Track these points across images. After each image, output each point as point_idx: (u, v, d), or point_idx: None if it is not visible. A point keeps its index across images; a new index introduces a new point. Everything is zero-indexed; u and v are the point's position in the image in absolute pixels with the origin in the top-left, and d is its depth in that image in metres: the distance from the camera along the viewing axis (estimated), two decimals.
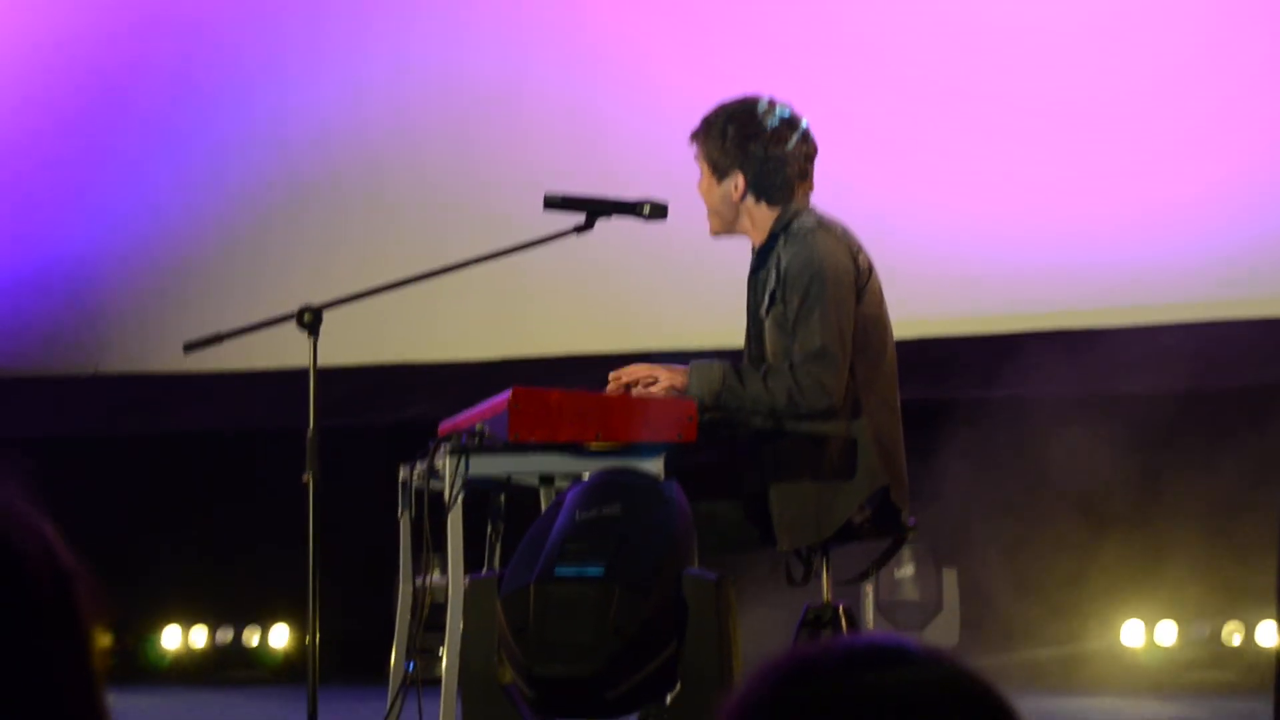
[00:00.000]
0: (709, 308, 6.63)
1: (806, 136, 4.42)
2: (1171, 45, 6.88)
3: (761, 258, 4.41)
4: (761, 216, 4.40)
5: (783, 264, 4.31)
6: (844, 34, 7.18)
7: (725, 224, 4.45)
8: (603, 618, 3.46)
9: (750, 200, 4.39)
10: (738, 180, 4.38)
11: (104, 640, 1.20)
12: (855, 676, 1.13)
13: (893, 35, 7.12)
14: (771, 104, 4.43)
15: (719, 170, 4.40)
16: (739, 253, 4.55)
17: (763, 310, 4.37)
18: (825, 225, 4.34)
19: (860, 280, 4.32)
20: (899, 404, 4.41)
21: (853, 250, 4.33)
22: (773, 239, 4.38)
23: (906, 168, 7.05)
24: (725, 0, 7.33)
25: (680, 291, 7.05)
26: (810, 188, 4.43)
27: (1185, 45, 6.86)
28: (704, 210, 4.49)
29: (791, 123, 4.41)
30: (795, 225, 4.34)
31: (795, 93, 6.42)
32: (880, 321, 4.37)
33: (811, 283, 4.24)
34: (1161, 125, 6.89)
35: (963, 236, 6.99)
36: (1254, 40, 6.82)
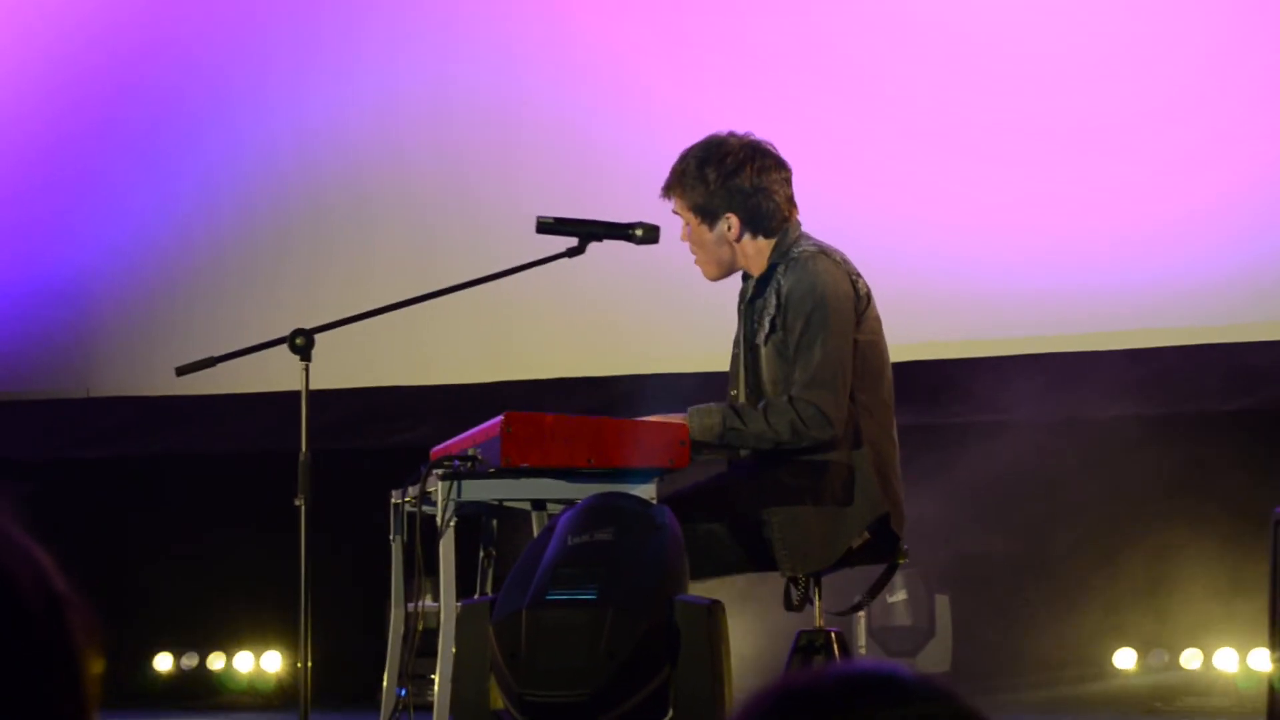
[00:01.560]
0: (700, 331, 6.63)
1: (780, 159, 4.42)
2: (1168, 66, 6.89)
3: (759, 286, 4.40)
4: (760, 250, 4.39)
5: (783, 290, 4.29)
6: (836, 53, 7.19)
7: (723, 267, 4.43)
8: (595, 642, 3.45)
9: (747, 238, 4.38)
10: (730, 221, 4.36)
11: (97, 666, 1.20)
12: (849, 706, 1.13)
13: (887, 59, 7.13)
14: (735, 135, 4.42)
15: (708, 215, 4.37)
16: (730, 278, 4.54)
17: (760, 338, 4.36)
18: (826, 251, 4.34)
19: (860, 307, 4.32)
20: (896, 431, 4.41)
21: (852, 277, 4.34)
22: (771, 268, 4.37)
23: (902, 192, 7.05)
24: (720, 22, 7.34)
25: (671, 315, 7.05)
26: (797, 209, 4.43)
27: (1182, 66, 6.88)
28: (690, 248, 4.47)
29: (762, 149, 4.41)
30: (795, 252, 4.33)
31: (787, 113, 6.46)
32: (878, 348, 4.37)
33: (814, 309, 4.23)
34: (1158, 147, 6.90)
35: (953, 259, 6.99)
36: (1251, 61, 6.84)
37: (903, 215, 7.02)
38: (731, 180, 4.34)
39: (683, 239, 4.43)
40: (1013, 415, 7.10)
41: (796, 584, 4.31)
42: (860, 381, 4.28)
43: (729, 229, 4.37)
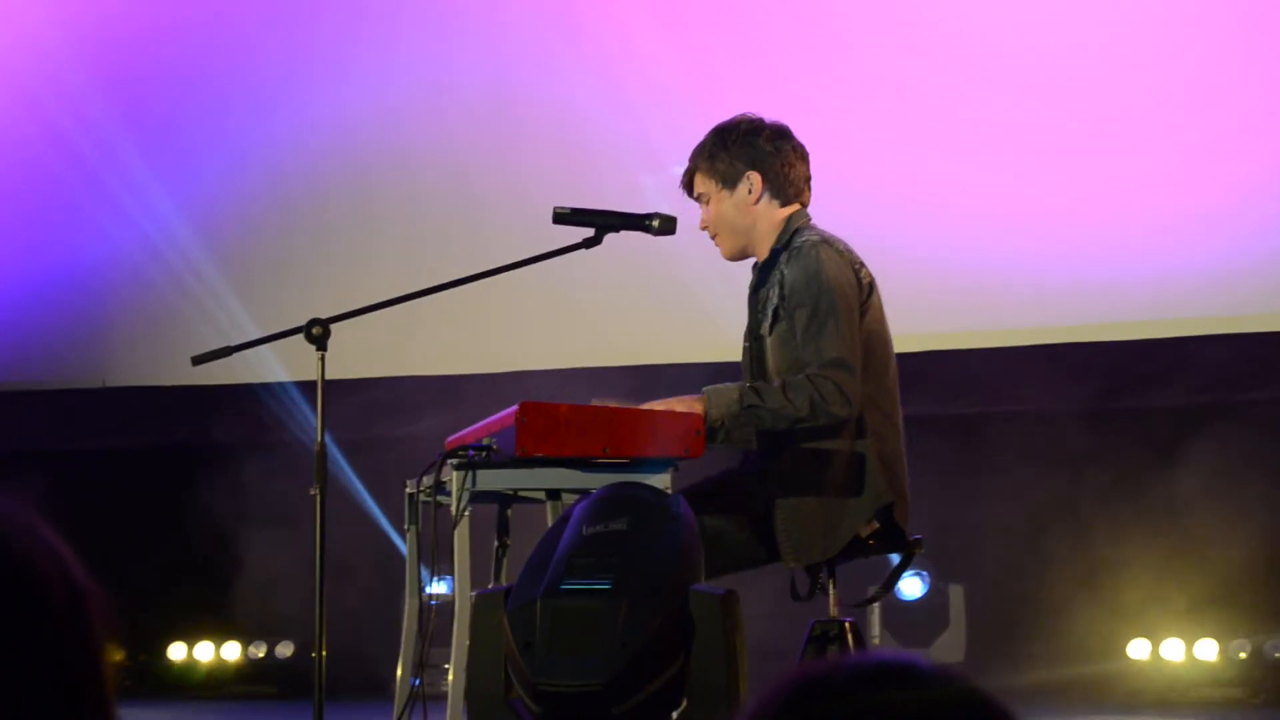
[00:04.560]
0: (715, 321, 6.63)
1: (796, 139, 4.45)
2: (1188, 56, 6.88)
3: (763, 275, 4.41)
4: (774, 220, 4.40)
5: (786, 280, 4.30)
6: (849, 42, 7.19)
7: (741, 238, 4.42)
8: (610, 632, 3.46)
9: (765, 200, 4.39)
10: (752, 180, 4.38)
11: (115, 656, 1.20)
12: (865, 695, 1.13)
13: (902, 49, 7.12)
14: (749, 115, 4.46)
15: (729, 180, 4.39)
16: (741, 267, 4.55)
17: (765, 328, 4.36)
18: (828, 240, 4.34)
19: (863, 295, 4.32)
20: (901, 420, 4.40)
21: (855, 266, 4.34)
22: (774, 255, 4.38)
23: (913, 183, 7.05)
24: (723, 12, 7.33)
25: (686, 305, 7.05)
26: (810, 192, 4.45)
27: (1203, 55, 6.86)
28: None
29: (778, 124, 4.46)
30: (797, 241, 4.34)
31: (798, 102, 6.42)
32: (882, 337, 4.37)
33: (820, 296, 4.23)
34: (1178, 138, 6.89)
35: (970, 250, 6.99)
36: (1260, 58, 6.82)
37: (923, 208, 7.02)
38: (751, 139, 4.39)
39: (702, 226, 4.44)
40: (1027, 406, 7.09)
41: (807, 571, 4.31)
42: (864, 370, 4.28)
43: (750, 191, 4.38)
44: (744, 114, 4.47)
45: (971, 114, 7.02)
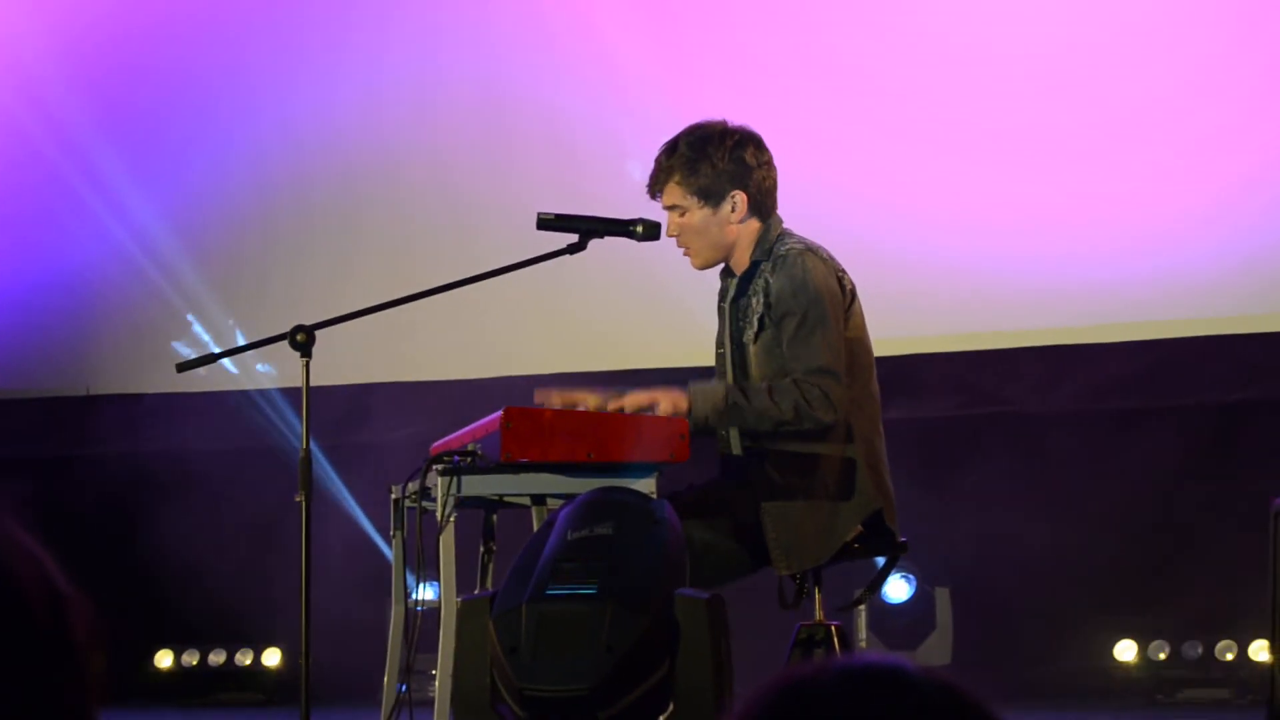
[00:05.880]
0: (699, 326, 6.63)
1: (767, 147, 4.40)
2: (1175, 60, 6.89)
3: (742, 285, 4.38)
4: (751, 236, 4.37)
5: (772, 289, 4.28)
6: (838, 45, 7.18)
7: (719, 252, 4.38)
8: (595, 637, 3.46)
9: (748, 219, 4.35)
10: (737, 200, 4.33)
11: (99, 664, 1.20)
12: (852, 698, 1.13)
13: (892, 54, 7.12)
14: (722, 121, 4.39)
15: (712, 196, 4.32)
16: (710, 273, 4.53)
17: (747, 336, 4.33)
18: (811, 248, 4.32)
19: (845, 302, 4.31)
20: (882, 423, 4.40)
21: (838, 273, 4.32)
22: (754, 265, 4.35)
23: (900, 187, 7.05)
24: (711, 12, 7.32)
25: (670, 310, 7.05)
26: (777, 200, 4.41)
27: (1189, 59, 6.87)
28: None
29: (755, 133, 4.39)
30: (780, 249, 4.31)
31: (781, 100, 6.43)
32: (864, 344, 4.36)
33: (809, 306, 4.22)
34: (1164, 141, 6.89)
35: (949, 253, 6.99)
36: (1259, 54, 6.83)
37: (907, 211, 7.02)
38: (738, 154, 4.31)
39: (671, 233, 4.38)
40: (1012, 408, 7.10)
41: (793, 577, 4.30)
42: (849, 377, 4.27)
43: (733, 209, 4.33)
44: (716, 121, 4.39)
45: (957, 115, 7.02)
